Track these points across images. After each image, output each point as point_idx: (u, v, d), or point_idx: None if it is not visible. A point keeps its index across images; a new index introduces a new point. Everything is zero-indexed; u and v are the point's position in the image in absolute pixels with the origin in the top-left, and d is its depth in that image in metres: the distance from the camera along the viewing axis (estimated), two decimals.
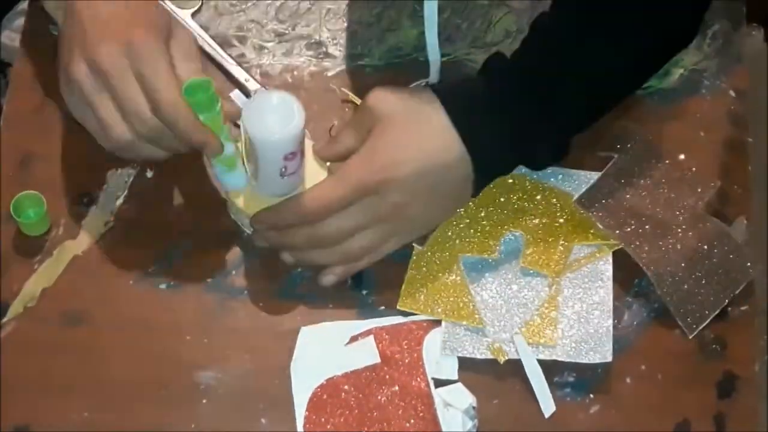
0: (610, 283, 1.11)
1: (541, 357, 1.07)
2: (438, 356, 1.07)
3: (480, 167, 1.06)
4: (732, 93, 1.21)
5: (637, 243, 1.10)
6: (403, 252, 1.10)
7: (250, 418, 1.05)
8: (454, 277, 1.09)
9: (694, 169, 1.15)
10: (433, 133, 1.05)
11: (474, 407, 1.04)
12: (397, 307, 1.08)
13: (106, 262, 1.10)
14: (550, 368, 1.07)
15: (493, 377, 1.07)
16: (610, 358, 1.07)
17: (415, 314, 1.09)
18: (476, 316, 1.08)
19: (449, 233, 1.11)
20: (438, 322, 1.08)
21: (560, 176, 1.14)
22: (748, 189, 1.17)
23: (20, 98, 1.17)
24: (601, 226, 1.11)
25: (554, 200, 1.13)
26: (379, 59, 1.21)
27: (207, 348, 1.07)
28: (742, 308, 1.11)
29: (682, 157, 1.16)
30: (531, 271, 1.11)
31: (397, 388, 1.05)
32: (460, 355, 1.07)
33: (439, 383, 1.06)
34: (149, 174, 1.14)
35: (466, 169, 1.05)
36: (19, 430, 1.03)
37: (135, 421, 1.04)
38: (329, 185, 1.04)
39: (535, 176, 1.14)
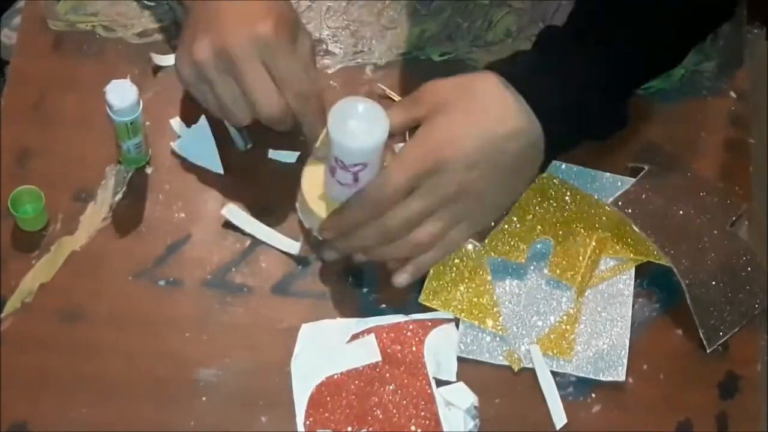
0: (630, 299, 1.10)
1: (555, 370, 1.07)
2: (439, 356, 1.06)
3: (549, 131, 1.02)
4: (733, 94, 1.21)
5: (673, 252, 1.09)
6: None
7: (249, 416, 1.04)
8: (479, 278, 1.08)
9: (721, 185, 1.15)
10: (491, 104, 1.02)
11: (476, 407, 1.04)
12: (419, 301, 1.07)
13: (105, 258, 1.09)
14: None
15: (494, 377, 1.07)
16: (623, 378, 1.07)
17: (416, 313, 1.08)
18: (499, 322, 1.07)
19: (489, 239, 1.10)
20: (440, 322, 1.08)
21: (592, 176, 1.14)
22: (749, 190, 1.16)
23: (18, 94, 1.16)
24: (637, 229, 1.09)
25: (591, 210, 1.12)
26: (379, 57, 1.20)
27: (206, 345, 1.06)
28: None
29: (709, 174, 1.16)
30: (556, 281, 1.10)
31: (397, 386, 1.05)
32: (475, 358, 1.06)
33: (440, 383, 1.06)
34: (148, 170, 1.13)
35: (530, 136, 1.02)
36: (17, 427, 1.02)
37: (134, 418, 1.03)
38: (388, 173, 1.01)
39: (568, 179, 1.13)
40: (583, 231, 1.11)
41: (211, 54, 1.03)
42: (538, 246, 1.11)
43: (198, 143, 1.14)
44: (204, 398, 1.04)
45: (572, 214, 1.12)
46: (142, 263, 1.09)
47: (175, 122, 1.15)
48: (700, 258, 1.09)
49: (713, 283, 1.09)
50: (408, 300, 1.09)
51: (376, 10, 1.23)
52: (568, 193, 1.12)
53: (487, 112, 1.01)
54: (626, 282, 1.10)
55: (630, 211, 1.11)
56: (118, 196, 1.12)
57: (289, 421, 1.04)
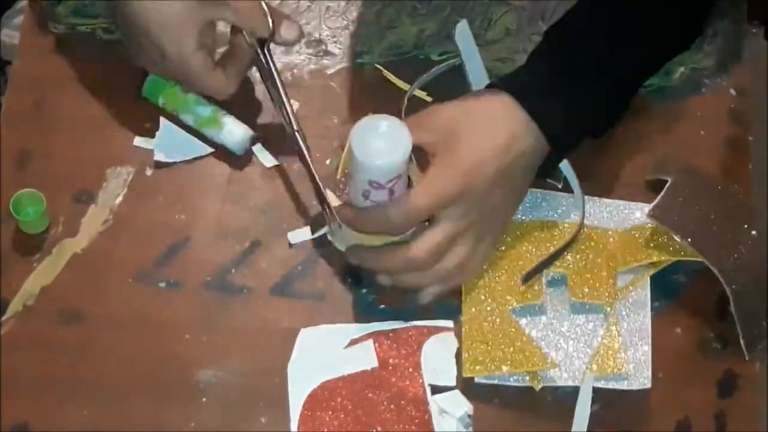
0: (648, 309, 1.10)
1: (577, 383, 1.06)
2: (437, 362, 1.06)
3: (554, 143, 1.05)
4: (733, 91, 1.21)
5: (712, 257, 1.08)
6: None
7: (249, 417, 1.04)
8: (511, 330, 1.07)
9: (741, 188, 1.15)
10: (502, 125, 1.03)
11: (470, 415, 1.04)
12: (463, 376, 1.05)
13: (105, 260, 1.10)
14: None
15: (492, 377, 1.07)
16: (649, 385, 1.07)
17: (414, 316, 1.08)
18: (548, 360, 1.06)
19: (494, 286, 1.09)
20: (438, 329, 1.08)
21: (607, 207, 1.14)
22: (749, 187, 1.16)
23: (19, 96, 1.17)
24: (677, 238, 1.09)
25: (591, 242, 1.11)
26: (380, 57, 1.20)
27: (206, 347, 1.07)
28: None
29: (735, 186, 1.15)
30: (581, 305, 1.09)
31: (393, 393, 1.05)
32: (495, 382, 1.06)
33: (439, 388, 1.06)
34: (148, 172, 1.14)
35: (537, 151, 1.04)
36: (18, 428, 1.03)
37: (134, 420, 1.04)
38: (413, 197, 1.01)
39: (561, 216, 1.13)
40: (589, 252, 1.11)
41: None
42: (553, 279, 1.10)
43: (173, 141, 1.15)
44: (204, 399, 1.05)
45: (575, 246, 1.11)
46: (142, 265, 1.10)
47: (140, 140, 1.15)
48: (740, 266, 1.08)
49: (754, 290, 1.08)
50: (406, 301, 1.09)
51: (375, 10, 1.23)
52: (557, 229, 1.12)
53: (500, 133, 1.03)
54: (644, 292, 1.10)
55: (667, 220, 1.09)
56: (119, 199, 1.13)
57: (289, 421, 1.04)
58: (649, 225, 1.11)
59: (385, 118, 0.99)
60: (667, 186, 1.11)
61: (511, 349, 1.05)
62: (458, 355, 1.07)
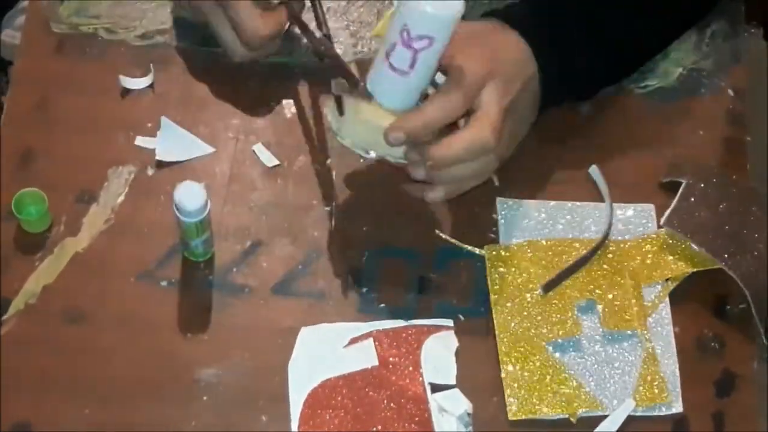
0: (671, 327, 1.09)
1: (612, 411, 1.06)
2: (437, 360, 1.07)
3: (543, 71, 1.09)
4: (731, 92, 1.21)
5: (731, 262, 1.08)
6: (405, 251, 1.11)
7: (250, 416, 1.05)
8: (552, 369, 1.06)
9: (756, 186, 1.15)
10: (502, 38, 1.08)
11: (469, 414, 1.05)
12: (510, 419, 1.05)
13: (107, 259, 1.10)
14: None
15: (491, 376, 1.07)
16: (681, 409, 1.06)
17: (416, 318, 1.09)
18: (591, 397, 1.05)
19: (528, 326, 1.08)
20: (438, 328, 1.08)
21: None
22: None
23: (21, 96, 1.17)
24: (695, 246, 1.09)
25: (614, 261, 1.11)
26: None
27: (207, 345, 1.07)
28: (741, 306, 1.11)
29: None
30: (613, 333, 1.08)
31: (393, 391, 1.05)
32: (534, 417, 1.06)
33: (438, 387, 1.06)
34: (150, 172, 1.14)
35: (533, 69, 1.08)
36: (20, 428, 1.03)
37: (135, 418, 1.04)
38: (451, 85, 1.03)
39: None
40: (612, 273, 1.10)
41: None
42: (582, 307, 1.09)
43: (174, 141, 1.15)
44: (205, 398, 1.05)
45: (593, 266, 1.11)
46: (144, 264, 1.10)
47: (142, 140, 1.15)
48: (757, 265, 1.09)
49: None
50: (406, 299, 1.10)
51: (376, 10, 1.23)
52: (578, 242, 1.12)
53: (502, 43, 1.08)
54: (665, 309, 1.10)
55: (682, 228, 1.10)
56: (121, 198, 1.13)
57: (290, 420, 1.04)
58: (662, 234, 1.11)
59: None
60: (680, 192, 1.12)
61: (556, 391, 1.05)
62: (458, 354, 1.07)
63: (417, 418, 1.04)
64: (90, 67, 1.19)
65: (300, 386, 1.05)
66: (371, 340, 1.07)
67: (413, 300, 1.09)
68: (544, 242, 1.11)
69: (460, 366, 1.07)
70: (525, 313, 1.08)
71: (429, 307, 1.10)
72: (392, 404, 1.05)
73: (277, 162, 1.15)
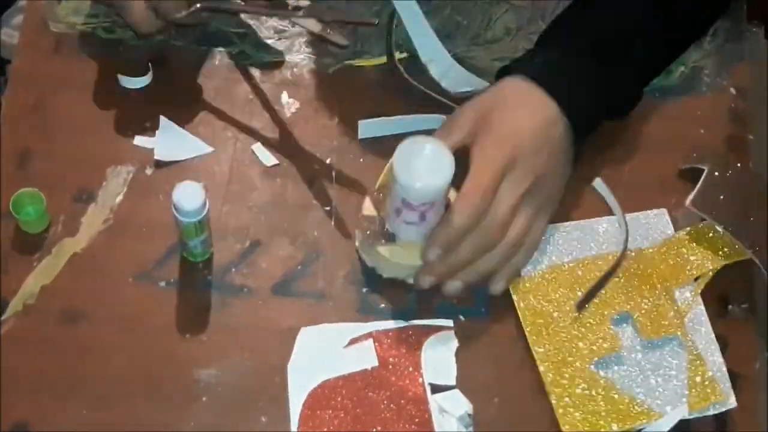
0: (709, 325, 1.09)
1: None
2: (437, 361, 1.06)
3: (574, 121, 1.08)
4: (732, 90, 1.21)
5: (756, 249, 1.08)
6: None
7: (249, 416, 1.04)
8: (600, 386, 1.05)
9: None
10: (525, 99, 1.08)
11: (469, 414, 1.04)
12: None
13: (105, 259, 1.10)
14: None
15: (492, 377, 1.07)
16: (735, 404, 1.06)
17: (416, 319, 1.08)
18: (645, 409, 1.05)
19: (566, 351, 1.07)
20: (438, 328, 1.08)
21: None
22: None
23: (19, 95, 1.17)
24: (719, 228, 1.10)
25: (638, 270, 1.11)
26: (380, 56, 1.21)
27: (206, 346, 1.07)
28: (743, 306, 1.11)
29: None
30: (653, 341, 1.08)
31: (393, 392, 1.05)
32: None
33: (439, 388, 1.06)
34: (148, 171, 1.14)
35: (562, 122, 1.08)
36: (19, 427, 1.03)
37: (134, 419, 1.04)
38: (475, 178, 1.04)
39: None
40: (640, 282, 1.10)
41: None
42: (616, 319, 1.09)
43: (173, 140, 1.15)
44: (204, 398, 1.05)
45: (619, 278, 1.10)
46: (142, 264, 1.10)
47: (140, 140, 1.15)
48: None
49: None
50: (406, 299, 1.09)
51: (375, 10, 1.23)
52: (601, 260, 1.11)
53: (526, 105, 1.08)
54: (699, 308, 1.10)
55: (707, 211, 1.10)
56: (119, 198, 1.13)
57: (288, 421, 1.04)
58: (681, 235, 1.11)
59: (431, 141, 1.01)
60: (703, 176, 1.12)
61: (609, 410, 1.04)
62: (458, 354, 1.07)
63: (417, 419, 1.04)
64: (88, 66, 1.19)
65: (300, 387, 1.05)
66: (371, 340, 1.07)
67: (413, 300, 1.09)
68: (565, 266, 1.11)
69: (460, 366, 1.07)
70: (561, 338, 1.07)
71: (429, 308, 1.09)
72: (392, 405, 1.04)
73: (276, 161, 1.15)
